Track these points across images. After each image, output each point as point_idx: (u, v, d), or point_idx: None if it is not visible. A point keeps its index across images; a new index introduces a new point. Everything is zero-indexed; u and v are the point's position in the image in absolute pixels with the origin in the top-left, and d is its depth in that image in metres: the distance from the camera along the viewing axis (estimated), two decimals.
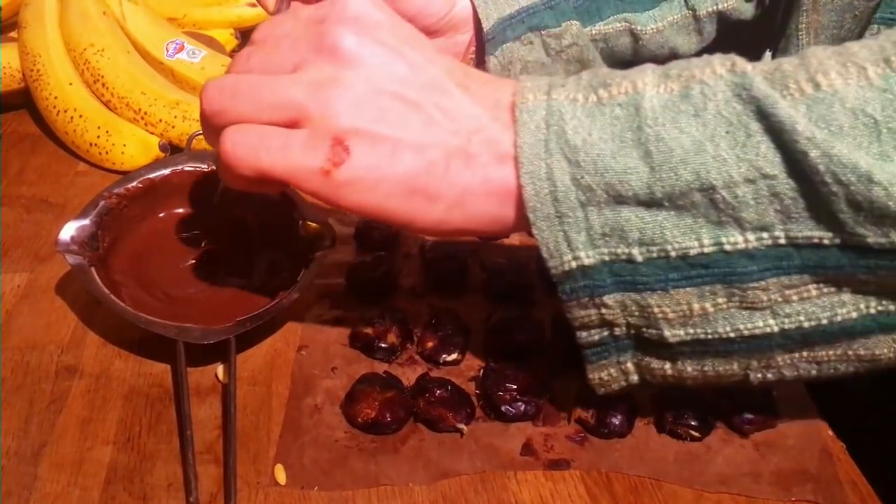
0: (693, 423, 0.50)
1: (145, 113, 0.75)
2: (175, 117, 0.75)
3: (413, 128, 0.40)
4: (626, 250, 0.39)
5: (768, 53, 0.71)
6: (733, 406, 0.51)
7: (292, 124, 0.40)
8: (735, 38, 0.75)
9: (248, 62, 0.43)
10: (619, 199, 0.39)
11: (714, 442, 0.50)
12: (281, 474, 0.47)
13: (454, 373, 0.54)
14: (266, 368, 0.55)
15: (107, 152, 0.74)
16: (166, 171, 0.63)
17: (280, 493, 0.47)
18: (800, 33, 0.65)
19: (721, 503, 0.47)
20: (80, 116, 0.76)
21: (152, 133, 0.75)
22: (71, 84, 0.77)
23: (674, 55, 0.75)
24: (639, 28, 0.72)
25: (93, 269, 0.55)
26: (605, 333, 0.43)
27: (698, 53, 0.76)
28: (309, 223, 0.61)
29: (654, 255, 0.39)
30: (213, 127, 0.42)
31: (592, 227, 0.39)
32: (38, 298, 0.60)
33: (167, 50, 0.81)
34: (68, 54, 0.79)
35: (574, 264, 0.40)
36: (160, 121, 0.75)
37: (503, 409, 0.51)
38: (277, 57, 0.42)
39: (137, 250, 0.61)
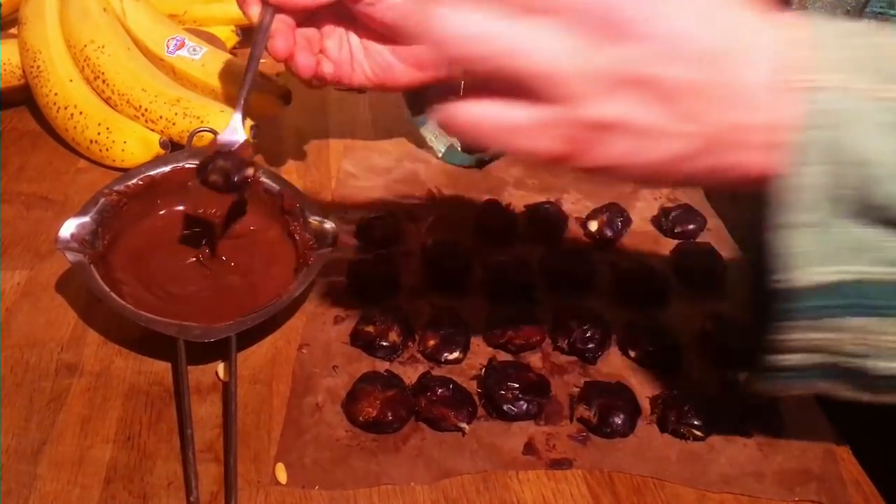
0: (696, 422, 0.50)
1: (146, 110, 0.75)
2: (176, 114, 0.74)
3: (663, 119, 0.36)
4: (875, 269, 0.35)
5: None
6: (737, 405, 0.51)
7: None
8: None
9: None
10: (883, 221, 0.35)
11: (717, 441, 0.50)
12: (282, 473, 0.47)
13: (456, 371, 0.54)
14: (267, 367, 0.55)
15: (107, 149, 0.74)
16: (167, 169, 0.63)
17: (281, 493, 0.46)
18: None
19: (724, 503, 0.47)
20: (81, 113, 0.75)
21: (153, 130, 0.75)
22: (71, 81, 0.77)
23: None
24: None
25: (93, 267, 0.55)
26: (806, 360, 0.39)
27: None
28: (312, 220, 0.60)
29: None
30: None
31: (843, 241, 0.35)
32: (38, 296, 0.60)
33: (168, 47, 0.81)
34: (69, 51, 0.78)
35: (812, 280, 0.36)
36: (161, 118, 0.75)
37: (505, 408, 0.51)
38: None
39: (138, 248, 0.61)
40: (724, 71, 0.35)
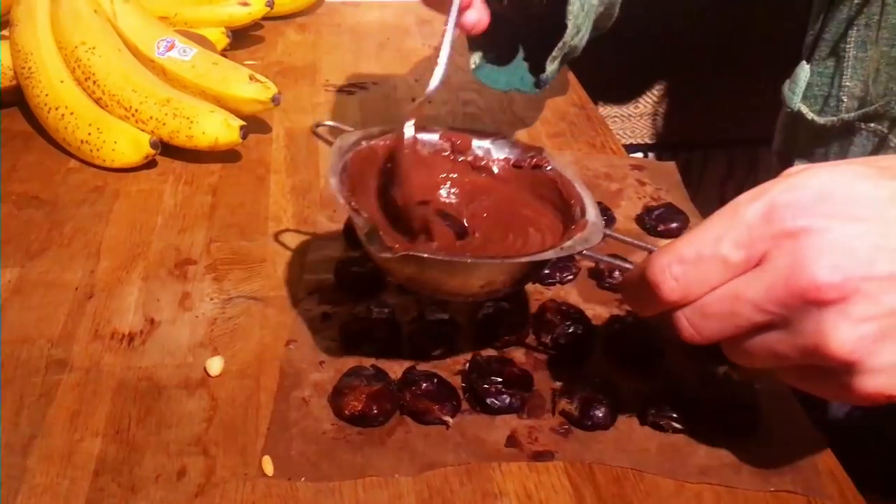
0: (675, 415, 0.51)
1: (136, 110, 0.76)
2: (166, 114, 0.75)
3: None
4: None
5: (806, 66, 0.71)
6: (717, 398, 0.51)
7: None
8: None
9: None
10: None
11: (696, 434, 0.51)
12: (268, 466, 0.48)
13: (440, 366, 0.55)
14: (255, 362, 0.55)
15: (98, 149, 0.75)
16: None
17: (267, 485, 0.47)
18: (847, 45, 0.66)
19: (702, 494, 0.48)
20: (72, 114, 0.76)
21: (143, 130, 0.75)
22: (62, 82, 0.78)
23: None
24: None
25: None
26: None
27: None
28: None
29: None
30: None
31: None
32: (28, 293, 0.61)
33: (158, 48, 0.82)
34: (60, 52, 0.79)
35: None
36: (151, 118, 0.75)
37: (488, 401, 0.51)
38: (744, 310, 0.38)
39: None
40: None
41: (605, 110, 0.95)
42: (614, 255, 0.61)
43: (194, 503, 0.46)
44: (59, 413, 0.51)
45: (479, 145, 0.59)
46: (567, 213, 0.54)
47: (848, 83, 0.67)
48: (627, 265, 0.47)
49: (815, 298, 0.36)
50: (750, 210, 0.38)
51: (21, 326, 0.58)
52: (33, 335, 0.57)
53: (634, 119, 1.36)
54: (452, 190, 0.59)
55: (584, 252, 0.50)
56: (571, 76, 0.98)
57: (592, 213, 0.53)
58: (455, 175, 0.59)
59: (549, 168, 0.57)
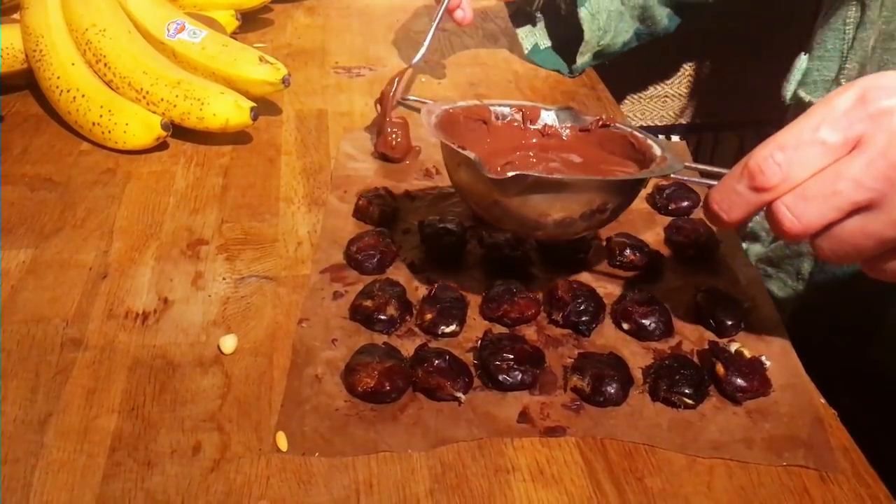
0: (687, 390, 0.51)
1: (147, 92, 0.76)
2: (176, 96, 0.75)
3: None
4: None
5: (804, 56, 0.71)
6: (727, 373, 0.52)
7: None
8: None
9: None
10: None
11: (708, 409, 0.51)
12: (282, 441, 0.48)
13: (452, 344, 0.55)
14: (267, 340, 0.56)
15: (109, 131, 0.75)
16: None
17: (282, 460, 0.48)
18: (847, 28, 0.66)
19: (714, 468, 0.48)
20: (83, 96, 0.76)
21: (154, 112, 0.76)
22: (73, 64, 0.78)
23: None
24: None
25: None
26: None
27: None
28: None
29: None
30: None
31: None
32: (42, 274, 0.61)
33: (168, 30, 0.82)
34: (70, 35, 0.79)
35: None
36: (162, 100, 0.76)
37: (500, 378, 0.52)
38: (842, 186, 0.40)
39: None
40: None
41: (616, 92, 0.95)
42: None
43: (209, 478, 0.46)
44: (74, 390, 0.52)
45: (547, 115, 0.62)
46: (643, 161, 0.57)
47: (847, 65, 0.67)
48: (712, 182, 0.48)
49: None
50: (844, 97, 0.40)
51: (36, 306, 0.58)
52: (48, 314, 0.57)
53: (645, 101, 1.35)
54: (529, 153, 0.61)
55: (673, 175, 0.53)
56: None
57: (669, 154, 0.55)
58: (528, 141, 0.62)
59: (616, 127, 0.59)
